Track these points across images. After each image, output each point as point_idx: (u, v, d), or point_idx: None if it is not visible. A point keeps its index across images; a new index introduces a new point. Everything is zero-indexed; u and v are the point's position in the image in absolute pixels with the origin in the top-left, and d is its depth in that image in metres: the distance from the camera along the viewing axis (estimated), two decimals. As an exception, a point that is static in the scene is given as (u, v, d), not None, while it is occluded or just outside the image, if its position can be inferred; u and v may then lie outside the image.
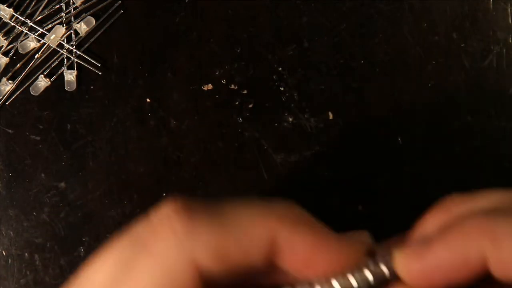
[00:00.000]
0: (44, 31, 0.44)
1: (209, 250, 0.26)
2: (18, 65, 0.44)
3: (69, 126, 0.44)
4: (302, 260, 0.27)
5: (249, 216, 0.27)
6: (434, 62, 0.43)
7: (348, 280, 0.27)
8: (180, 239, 0.26)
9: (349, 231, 0.42)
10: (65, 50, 0.44)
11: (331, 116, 0.43)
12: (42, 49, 0.44)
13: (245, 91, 0.44)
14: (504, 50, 0.43)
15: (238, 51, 0.44)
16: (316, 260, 0.27)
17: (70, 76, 0.44)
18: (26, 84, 0.44)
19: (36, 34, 0.44)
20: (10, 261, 0.43)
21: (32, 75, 0.44)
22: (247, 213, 0.27)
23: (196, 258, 0.26)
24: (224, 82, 0.44)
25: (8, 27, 0.44)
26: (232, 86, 0.44)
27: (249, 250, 0.26)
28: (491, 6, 0.43)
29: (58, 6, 0.44)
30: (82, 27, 0.44)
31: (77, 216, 0.43)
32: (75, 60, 0.44)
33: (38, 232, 0.43)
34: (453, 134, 0.43)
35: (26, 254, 0.43)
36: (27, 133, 0.44)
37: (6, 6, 0.43)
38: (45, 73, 0.44)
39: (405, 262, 0.27)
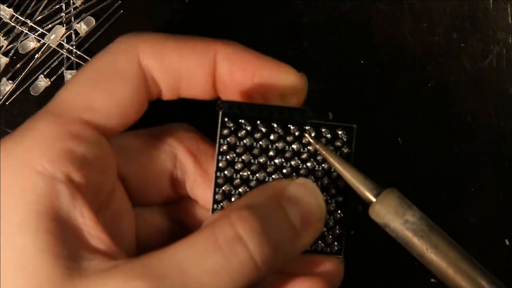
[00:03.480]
0: (44, 31, 0.44)
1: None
2: (18, 65, 0.44)
3: (69, 126, 0.44)
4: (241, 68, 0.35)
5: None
6: (434, 62, 0.43)
7: None
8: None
9: (349, 231, 0.42)
10: (65, 50, 0.44)
11: (331, 116, 0.43)
12: (42, 49, 0.44)
13: (245, 91, 0.44)
14: (504, 50, 0.43)
15: (238, 51, 0.44)
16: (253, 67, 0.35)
17: (70, 76, 0.43)
18: (26, 84, 0.44)
19: (36, 34, 0.44)
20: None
21: (32, 75, 0.44)
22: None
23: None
24: (224, 82, 0.44)
25: (8, 27, 0.44)
26: (232, 86, 0.44)
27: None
28: (491, 6, 0.43)
29: (58, 6, 0.44)
30: (82, 27, 0.44)
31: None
32: (75, 60, 0.44)
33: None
34: (453, 134, 0.43)
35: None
36: (27, 133, 0.44)
37: (6, 6, 0.43)
38: (45, 73, 0.44)
39: None
